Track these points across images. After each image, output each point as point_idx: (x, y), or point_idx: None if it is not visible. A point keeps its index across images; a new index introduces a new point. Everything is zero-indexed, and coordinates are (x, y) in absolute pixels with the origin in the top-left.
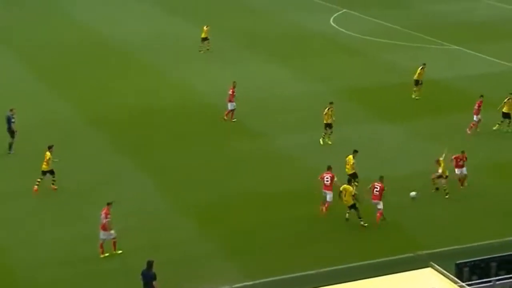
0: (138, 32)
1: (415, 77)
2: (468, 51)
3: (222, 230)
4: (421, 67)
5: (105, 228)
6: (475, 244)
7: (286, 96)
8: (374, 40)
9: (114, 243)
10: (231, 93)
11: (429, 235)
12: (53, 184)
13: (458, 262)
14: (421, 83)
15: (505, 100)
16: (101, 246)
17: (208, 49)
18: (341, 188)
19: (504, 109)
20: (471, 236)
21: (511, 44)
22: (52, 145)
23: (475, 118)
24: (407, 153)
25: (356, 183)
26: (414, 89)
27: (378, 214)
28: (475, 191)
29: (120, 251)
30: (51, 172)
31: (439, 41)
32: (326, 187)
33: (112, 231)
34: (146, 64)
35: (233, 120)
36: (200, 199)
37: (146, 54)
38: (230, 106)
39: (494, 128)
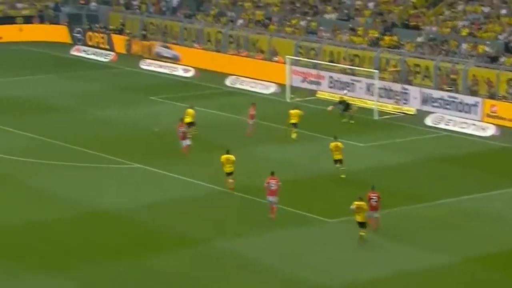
0: None
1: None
2: (152, 169)
3: None
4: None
5: None
6: None
7: None
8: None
9: None
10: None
11: None
12: None
13: None
14: (195, 124)
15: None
16: None
17: None
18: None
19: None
20: None
21: None
22: None
23: (250, 122)
24: None
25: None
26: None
27: (374, 222)
28: None
29: None
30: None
31: (111, 157)
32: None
33: None
34: None
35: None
36: None
37: None
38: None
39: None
